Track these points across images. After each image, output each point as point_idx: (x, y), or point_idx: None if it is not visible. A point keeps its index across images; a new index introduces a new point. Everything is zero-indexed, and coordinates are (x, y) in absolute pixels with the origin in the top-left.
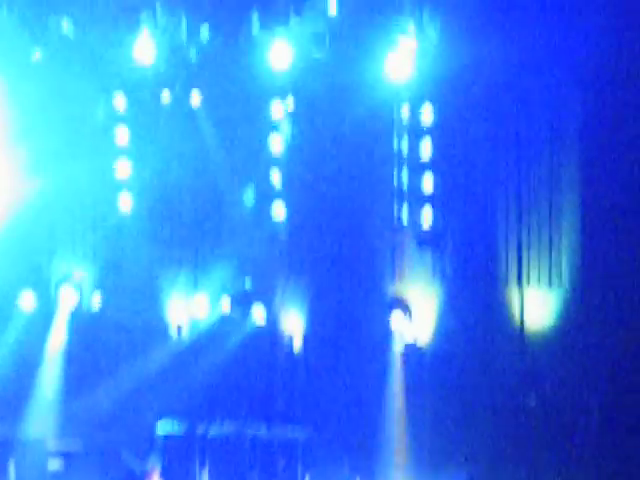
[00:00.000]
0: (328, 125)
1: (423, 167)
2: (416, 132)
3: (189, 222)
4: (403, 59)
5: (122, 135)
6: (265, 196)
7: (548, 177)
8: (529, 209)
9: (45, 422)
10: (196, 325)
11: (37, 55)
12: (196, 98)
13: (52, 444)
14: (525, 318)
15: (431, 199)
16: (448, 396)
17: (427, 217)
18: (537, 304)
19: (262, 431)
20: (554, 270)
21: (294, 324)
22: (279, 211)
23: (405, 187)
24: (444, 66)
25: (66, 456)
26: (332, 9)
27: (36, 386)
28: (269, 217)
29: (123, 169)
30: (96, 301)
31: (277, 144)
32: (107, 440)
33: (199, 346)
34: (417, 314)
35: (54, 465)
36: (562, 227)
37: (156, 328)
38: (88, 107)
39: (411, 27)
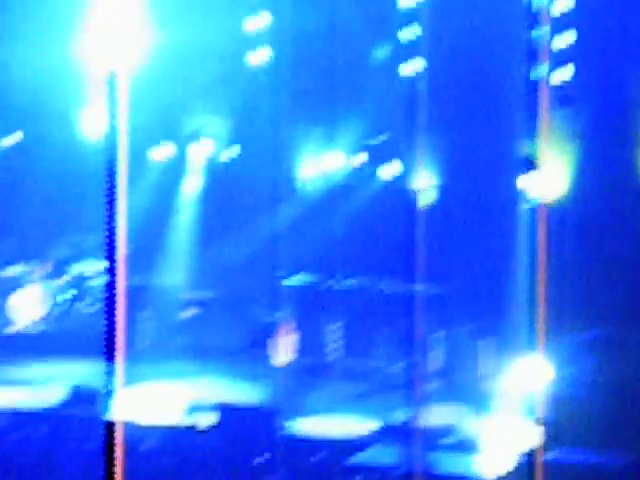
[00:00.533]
0: None
1: (563, 23)
2: None
3: (324, 76)
4: None
5: None
6: (401, 51)
7: None
8: None
9: (178, 272)
10: (328, 180)
11: None
12: None
13: (185, 293)
14: None
15: (571, 56)
16: (580, 256)
17: (566, 75)
18: None
19: (392, 286)
20: None
21: (426, 180)
22: (415, 67)
23: (545, 43)
24: None
25: (199, 305)
26: None
27: (170, 236)
28: (405, 73)
29: (257, 21)
30: (229, 154)
31: None
32: (238, 291)
33: (330, 201)
34: (551, 174)
35: (187, 314)
36: None
37: (288, 182)
38: None
39: None
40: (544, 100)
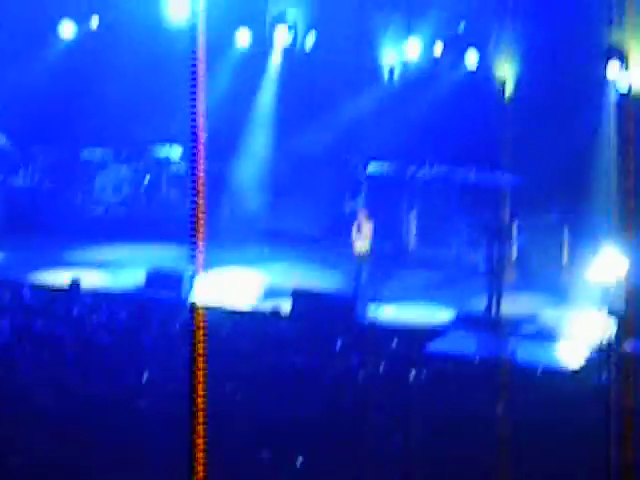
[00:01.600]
0: None
1: None
2: None
3: None
4: None
5: None
6: None
7: None
8: None
9: (257, 160)
10: (408, 68)
11: None
12: None
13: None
14: None
15: None
16: None
17: None
18: None
19: (471, 176)
20: None
21: (507, 70)
22: None
23: None
24: None
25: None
26: None
27: (250, 124)
28: None
29: None
30: (310, 41)
31: None
32: (317, 178)
33: (411, 89)
34: (635, 65)
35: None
36: None
37: (369, 69)
38: None
39: None
40: None
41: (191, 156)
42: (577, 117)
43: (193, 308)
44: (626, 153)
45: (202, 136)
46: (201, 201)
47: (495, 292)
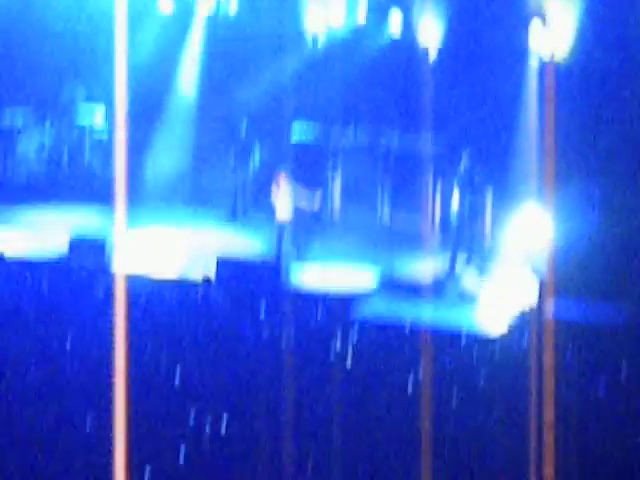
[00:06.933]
0: None
1: None
2: None
3: None
4: None
5: None
6: None
7: None
8: None
9: (180, 123)
10: (332, 33)
11: None
12: None
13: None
14: None
15: None
16: (586, 112)
17: None
18: None
19: (395, 140)
20: None
21: (431, 35)
22: None
23: None
24: None
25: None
26: None
27: (172, 89)
28: None
29: None
30: (233, 6)
31: None
32: (241, 142)
33: (335, 54)
34: (556, 27)
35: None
36: None
37: (292, 35)
38: None
39: None
40: None
41: (114, 118)
42: (500, 80)
43: (115, 275)
44: (547, 114)
45: (124, 98)
46: (123, 163)
47: (420, 255)
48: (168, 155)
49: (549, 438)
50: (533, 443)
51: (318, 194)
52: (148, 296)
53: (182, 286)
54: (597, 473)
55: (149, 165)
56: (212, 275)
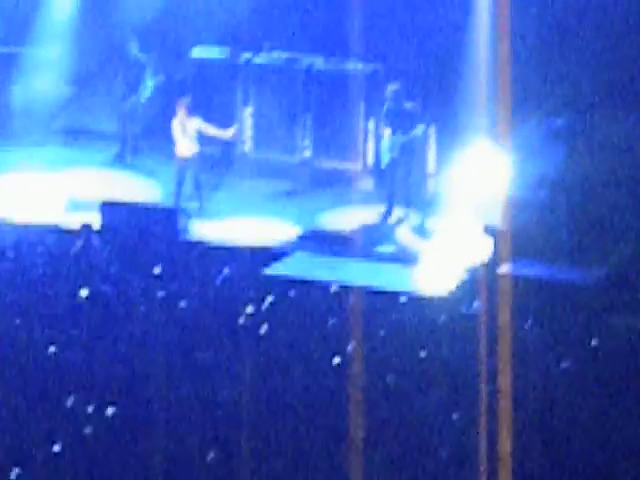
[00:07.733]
0: None
1: None
2: None
3: None
4: None
5: None
6: None
7: None
8: None
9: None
10: None
11: None
12: None
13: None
14: None
15: None
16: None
17: None
18: None
19: (319, 62)
20: None
21: None
22: None
23: None
24: None
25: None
26: None
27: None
28: None
29: None
30: None
31: None
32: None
33: None
34: None
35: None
36: None
37: None
38: None
39: None
40: None
41: None
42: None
43: None
44: (498, 39)
45: None
46: None
47: (348, 205)
48: (41, 83)
49: (505, 411)
50: (484, 417)
51: (233, 129)
52: (20, 247)
53: (60, 236)
54: (559, 446)
55: (18, 97)
56: (94, 223)
